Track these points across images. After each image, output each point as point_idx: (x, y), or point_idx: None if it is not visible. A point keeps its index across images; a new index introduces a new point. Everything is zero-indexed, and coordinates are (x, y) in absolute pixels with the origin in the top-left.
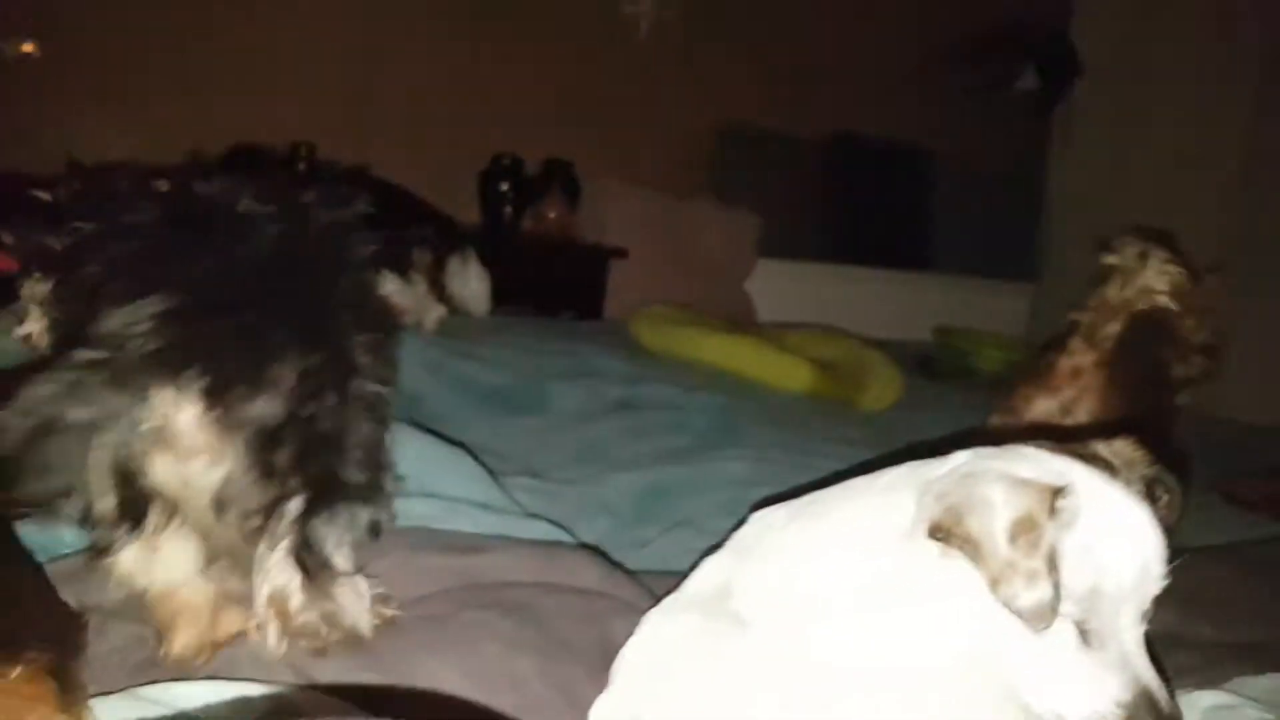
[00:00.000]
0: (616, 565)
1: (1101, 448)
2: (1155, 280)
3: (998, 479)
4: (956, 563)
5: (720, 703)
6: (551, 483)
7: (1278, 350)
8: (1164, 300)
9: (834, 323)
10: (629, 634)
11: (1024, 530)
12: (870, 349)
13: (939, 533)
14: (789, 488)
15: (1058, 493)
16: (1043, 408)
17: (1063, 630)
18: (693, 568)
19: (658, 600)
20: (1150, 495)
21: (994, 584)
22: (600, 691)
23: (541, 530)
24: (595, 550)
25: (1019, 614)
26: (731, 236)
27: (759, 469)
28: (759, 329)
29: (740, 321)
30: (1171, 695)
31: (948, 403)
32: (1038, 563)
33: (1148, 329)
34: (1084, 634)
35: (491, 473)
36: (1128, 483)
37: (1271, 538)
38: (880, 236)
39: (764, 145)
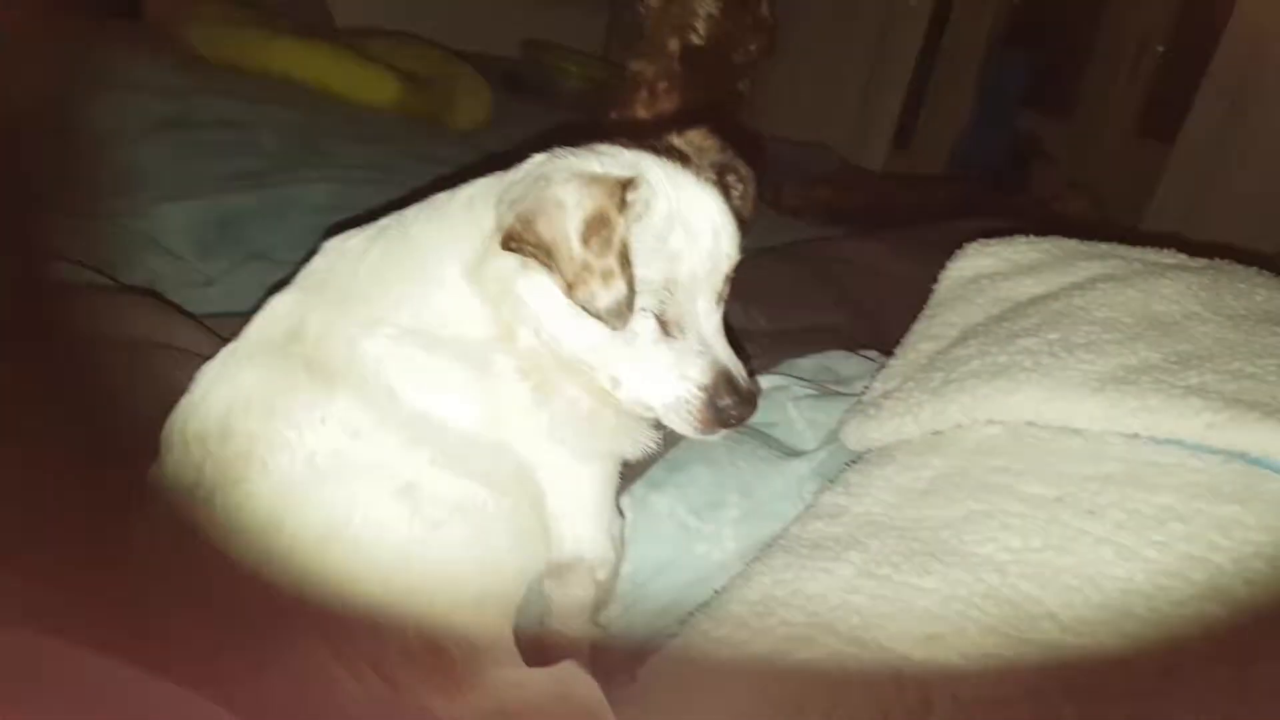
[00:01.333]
0: (175, 308)
1: (675, 139)
2: None
3: (568, 178)
4: (535, 274)
5: (300, 474)
6: (84, 218)
7: (811, 72)
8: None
9: (415, 33)
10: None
11: (596, 229)
12: (458, 63)
13: (512, 242)
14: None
15: (627, 185)
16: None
17: (643, 324)
18: (258, 307)
19: (226, 342)
20: (723, 182)
21: (570, 288)
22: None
23: (71, 276)
24: (148, 293)
25: (597, 315)
26: None
27: (343, 192)
28: (336, 36)
29: (315, 27)
30: (751, 374)
31: (535, 119)
32: (611, 261)
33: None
34: (664, 325)
35: None
36: (699, 170)
37: (813, 238)
38: None
39: None
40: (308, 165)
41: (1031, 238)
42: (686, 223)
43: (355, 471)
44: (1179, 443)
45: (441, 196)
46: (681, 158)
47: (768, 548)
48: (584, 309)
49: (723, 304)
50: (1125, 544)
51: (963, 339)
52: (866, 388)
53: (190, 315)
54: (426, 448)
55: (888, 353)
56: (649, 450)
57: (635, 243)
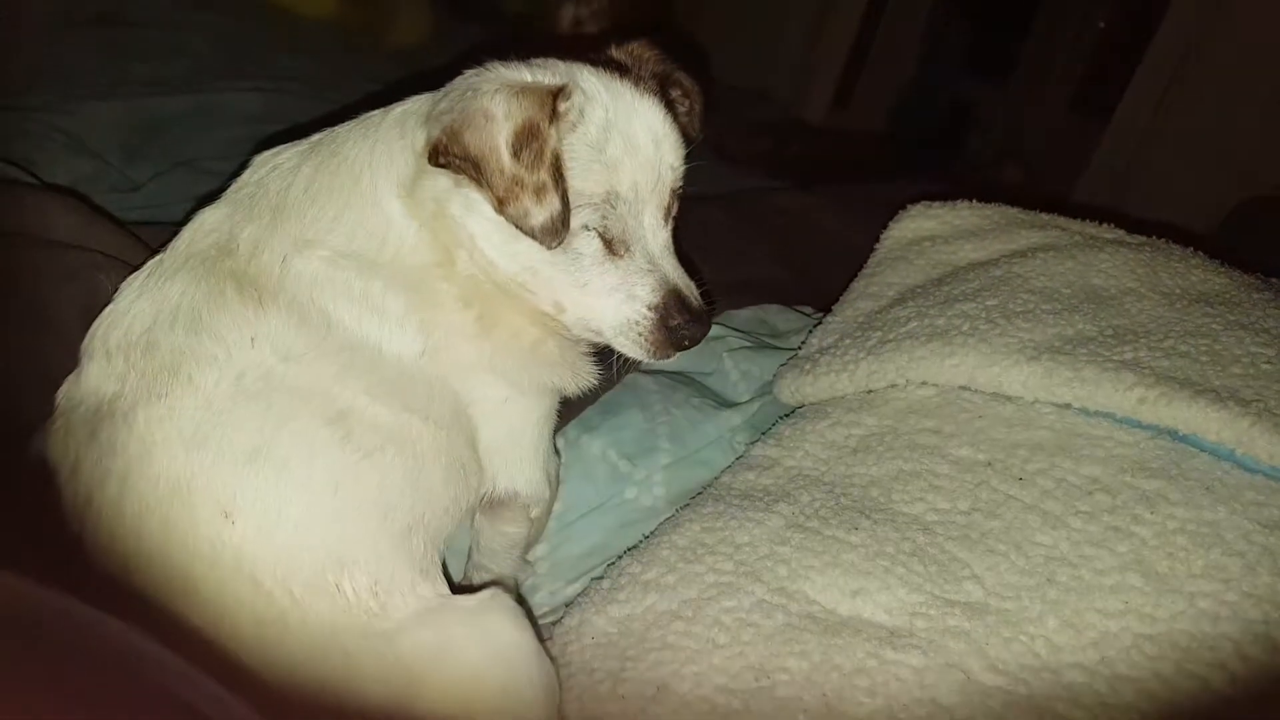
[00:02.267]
0: (99, 212)
1: (614, 50)
2: None
3: (497, 89)
4: (468, 191)
5: (227, 391)
6: (3, 110)
7: (757, 22)
8: None
9: None
10: (114, 292)
11: (527, 141)
12: None
13: (440, 156)
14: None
15: (558, 94)
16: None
17: (585, 243)
18: (186, 218)
19: (153, 253)
20: (666, 96)
21: (501, 204)
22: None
23: None
24: (71, 194)
25: (531, 233)
26: None
27: (274, 102)
28: None
29: None
30: (705, 294)
31: (475, 40)
32: (544, 175)
33: None
34: (608, 243)
35: None
36: (639, 80)
37: (754, 188)
38: None
39: None
40: (240, 73)
41: (974, 203)
42: (625, 131)
43: (286, 394)
44: (1110, 416)
45: (375, 114)
46: (620, 68)
47: (698, 495)
48: (517, 226)
49: (671, 221)
50: (1051, 512)
51: (901, 300)
52: (802, 343)
53: (116, 220)
54: (361, 378)
55: (823, 308)
56: (590, 385)
57: (569, 154)
